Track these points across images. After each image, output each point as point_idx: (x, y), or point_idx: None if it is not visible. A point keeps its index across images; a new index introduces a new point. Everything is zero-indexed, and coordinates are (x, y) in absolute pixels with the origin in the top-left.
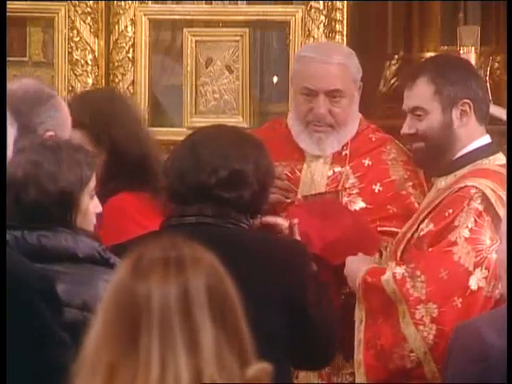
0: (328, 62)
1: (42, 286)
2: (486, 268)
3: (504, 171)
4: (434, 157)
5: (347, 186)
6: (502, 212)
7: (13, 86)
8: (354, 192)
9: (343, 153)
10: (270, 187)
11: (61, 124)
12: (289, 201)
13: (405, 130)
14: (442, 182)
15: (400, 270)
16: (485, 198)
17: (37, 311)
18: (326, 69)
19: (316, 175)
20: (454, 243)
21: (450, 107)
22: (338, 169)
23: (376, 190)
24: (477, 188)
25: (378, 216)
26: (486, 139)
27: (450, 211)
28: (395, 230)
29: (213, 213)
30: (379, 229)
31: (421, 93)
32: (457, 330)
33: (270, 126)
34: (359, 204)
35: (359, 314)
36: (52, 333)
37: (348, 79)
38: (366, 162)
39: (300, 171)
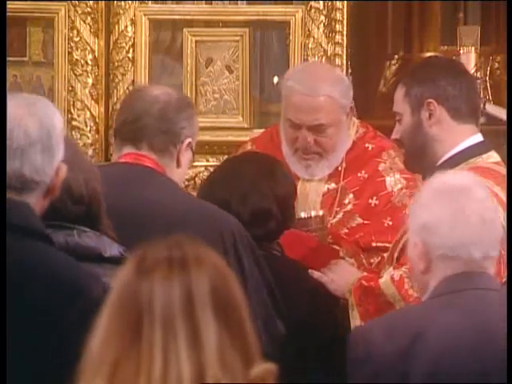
0: (312, 95)
1: (104, 295)
2: None
3: (497, 168)
4: (415, 160)
5: (345, 201)
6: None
7: (155, 91)
8: (349, 208)
9: (338, 168)
10: (293, 205)
11: (195, 133)
12: None
13: (392, 135)
14: None
15: (397, 272)
16: None
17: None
18: (310, 103)
19: (311, 193)
20: None
21: (418, 108)
22: (332, 185)
23: (372, 204)
24: None
25: (373, 230)
26: (477, 138)
27: None
28: (389, 245)
29: None
30: (374, 244)
31: (396, 98)
32: (351, 331)
33: (268, 136)
34: (356, 220)
35: (354, 320)
36: None
37: (333, 110)
38: (362, 175)
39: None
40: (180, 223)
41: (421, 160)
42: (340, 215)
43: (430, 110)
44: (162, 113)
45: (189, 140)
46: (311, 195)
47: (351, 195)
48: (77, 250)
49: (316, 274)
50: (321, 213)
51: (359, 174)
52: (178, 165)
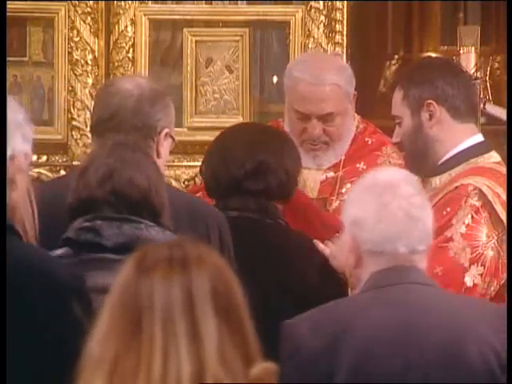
0: (319, 85)
1: (75, 285)
2: (481, 265)
3: (499, 168)
4: (416, 162)
5: (343, 191)
6: (499, 208)
7: (127, 85)
8: (346, 198)
9: (338, 160)
10: (298, 176)
11: (172, 121)
12: None
13: (392, 139)
14: (436, 181)
15: None
16: (482, 195)
17: (69, 309)
18: (318, 92)
19: (309, 181)
20: (450, 239)
21: (417, 110)
22: (330, 174)
23: None
24: (473, 185)
25: None
26: (477, 138)
27: (448, 209)
28: None
29: (254, 207)
30: None
31: (394, 101)
32: (282, 326)
33: None
34: None
35: None
36: (84, 330)
37: (340, 98)
38: (360, 166)
39: None
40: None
41: (422, 161)
42: (336, 203)
43: (429, 111)
44: (137, 108)
45: (166, 130)
46: (309, 182)
47: (349, 185)
48: (145, 242)
49: (320, 246)
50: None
51: (358, 165)
52: (158, 156)
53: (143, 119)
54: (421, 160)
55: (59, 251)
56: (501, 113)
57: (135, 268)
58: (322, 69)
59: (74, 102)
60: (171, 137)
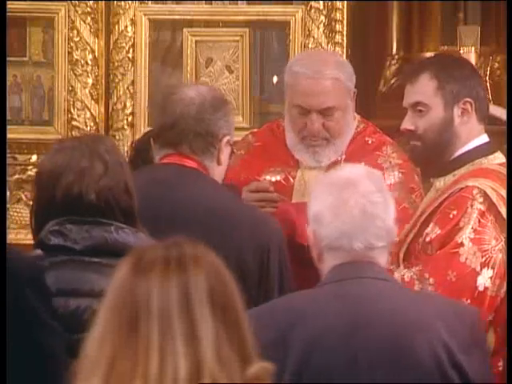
0: (319, 78)
1: (30, 274)
2: (491, 268)
3: (503, 170)
4: (431, 155)
5: None
6: (504, 211)
7: (189, 93)
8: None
9: (338, 158)
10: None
11: (232, 129)
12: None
13: (405, 125)
14: (440, 182)
15: (408, 273)
16: (487, 198)
17: (25, 299)
18: (318, 86)
19: (309, 182)
20: (461, 244)
21: (451, 103)
22: None
23: None
24: (478, 188)
25: None
26: (483, 138)
27: (455, 213)
28: None
29: None
30: None
31: (423, 88)
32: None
33: (269, 129)
34: None
35: None
36: (41, 320)
37: (341, 93)
38: None
39: (294, 178)
40: (231, 225)
41: (438, 156)
42: None
43: (464, 109)
44: (199, 115)
45: (227, 138)
46: (309, 183)
47: None
48: (115, 245)
49: None
50: None
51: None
52: (219, 163)
53: (205, 127)
54: (438, 153)
55: (35, 252)
56: (501, 113)
57: (132, 268)
58: (323, 63)
59: (74, 102)
60: (230, 145)
